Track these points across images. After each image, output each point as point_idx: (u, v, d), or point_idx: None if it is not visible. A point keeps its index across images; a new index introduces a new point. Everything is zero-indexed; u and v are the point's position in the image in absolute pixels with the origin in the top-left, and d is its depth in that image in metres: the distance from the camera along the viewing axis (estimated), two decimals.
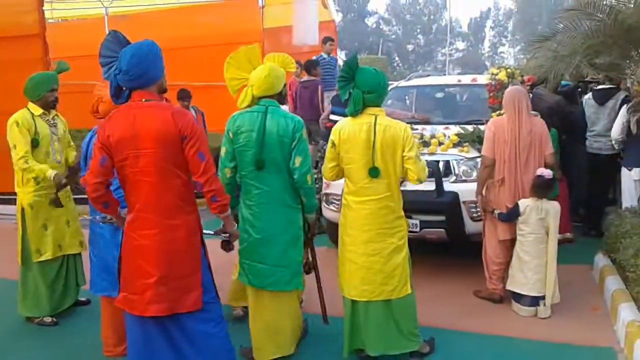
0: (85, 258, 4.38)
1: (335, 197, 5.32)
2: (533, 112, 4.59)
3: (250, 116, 3.44)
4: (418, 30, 57.92)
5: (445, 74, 15.91)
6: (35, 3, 6.78)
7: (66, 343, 3.98)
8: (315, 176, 4.84)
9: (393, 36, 56.75)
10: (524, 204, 4.28)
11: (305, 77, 8.02)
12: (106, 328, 3.68)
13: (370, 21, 57.60)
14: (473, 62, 49.21)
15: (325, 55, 9.03)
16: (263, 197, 3.45)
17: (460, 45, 58.52)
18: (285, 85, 3.76)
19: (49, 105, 4.24)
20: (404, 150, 3.39)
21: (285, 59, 3.75)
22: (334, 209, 5.37)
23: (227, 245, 3.23)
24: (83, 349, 3.85)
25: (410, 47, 56.62)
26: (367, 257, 3.46)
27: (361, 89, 3.42)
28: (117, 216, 3.02)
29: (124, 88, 2.82)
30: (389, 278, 3.46)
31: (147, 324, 2.88)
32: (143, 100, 2.80)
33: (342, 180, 3.84)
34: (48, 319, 4.22)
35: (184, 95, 7.46)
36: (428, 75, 7.97)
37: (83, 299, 4.55)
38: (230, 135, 3.47)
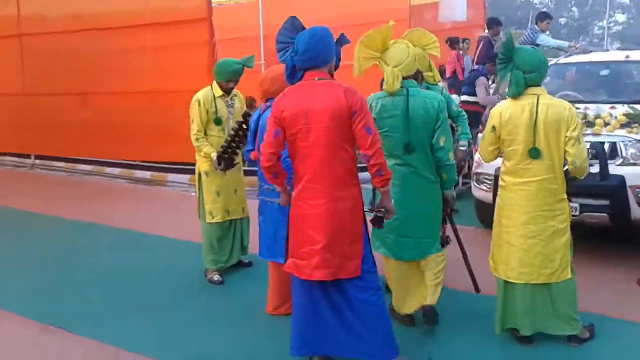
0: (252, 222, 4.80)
1: (486, 176, 5.23)
2: None
3: (392, 100, 3.49)
4: (572, 2, 53.82)
5: (603, 50, 14.69)
6: None
7: (231, 300, 4.35)
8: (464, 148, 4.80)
9: (544, 9, 53.18)
10: None
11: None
12: (272, 290, 3.98)
13: None
14: (634, 36, 44.75)
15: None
16: (409, 176, 3.54)
17: (620, 17, 53.45)
18: (430, 63, 3.81)
19: (225, 91, 4.62)
20: (567, 131, 3.27)
21: (426, 37, 3.69)
22: (485, 188, 5.29)
23: (380, 222, 3.23)
24: (247, 306, 4.20)
25: (563, 20, 52.81)
26: (526, 239, 3.40)
27: (521, 69, 3.34)
28: (284, 188, 3.21)
29: (298, 69, 3.03)
30: (549, 261, 3.39)
31: (313, 288, 3.09)
32: (316, 79, 2.99)
33: (494, 160, 3.78)
34: (216, 277, 4.65)
35: None
36: (590, 52, 7.42)
37: (246, 260, 4.96)
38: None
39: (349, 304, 3.11)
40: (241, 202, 4.79)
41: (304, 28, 3.05)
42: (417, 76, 3.66)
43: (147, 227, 6.24)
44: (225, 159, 4.40)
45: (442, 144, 3.48)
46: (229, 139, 4.36)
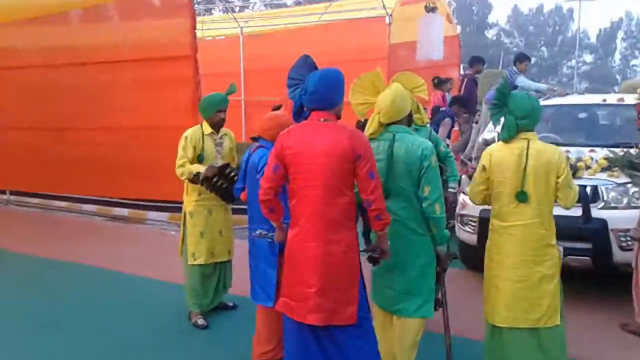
0: (235, 263, 4.78)
1: (470, 218, 5.26)
2: None
3: (378, 145, 3.37)
4: (542, 42, 55.59)
5: (573, 89, 15.09)
6: (189, 26, 7.21)
7: (216, 346, 4.24)
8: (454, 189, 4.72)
9: (515, 49, 54.83)
10: None
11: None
12: (259, 335, 3.83)
13: (490, 33, 56.12)
14: (602, 76, 46.35)
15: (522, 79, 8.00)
16: (392, 225, 3.23)
17: (588, 57, 55.35)
18: (418, 105, 3.83)
19: (215, 125, 4.55)
20: (558, 177, 3.33)
21: (413, 80, 3.69)
22: (469, 230, 5.31)
23: (375, 261, 3.21)
24: (232, 352, 4.10)
25: (532, 60, 54.52)
26: (512, 284, 3.40)
27: (514, 115, 3.40)
28: (280, 224, 3.19)
29: (306, 108, 3.05)
30: (535, 306, 3.38)
31: (304, 330, 3.03)
32: (321, 119, 2.99)
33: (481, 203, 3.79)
34: (200, 321, 4.54)
35: None
36: (567, 94, 7.58)
37: (230, 303, 4.86)
38: None
39: (340, 351, 3.03)
40: (227, 244, 4.69)
41: (316, 67, 3.09)
42: (410, 119, 3.57)
43: (127, 266, 6.10)
44: (222, 176, 4.35)
45: (426, 194, 3.25)
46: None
